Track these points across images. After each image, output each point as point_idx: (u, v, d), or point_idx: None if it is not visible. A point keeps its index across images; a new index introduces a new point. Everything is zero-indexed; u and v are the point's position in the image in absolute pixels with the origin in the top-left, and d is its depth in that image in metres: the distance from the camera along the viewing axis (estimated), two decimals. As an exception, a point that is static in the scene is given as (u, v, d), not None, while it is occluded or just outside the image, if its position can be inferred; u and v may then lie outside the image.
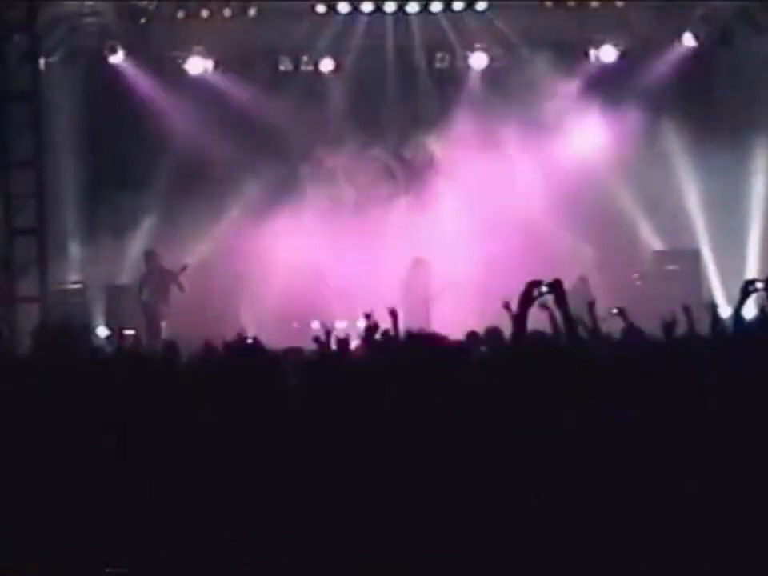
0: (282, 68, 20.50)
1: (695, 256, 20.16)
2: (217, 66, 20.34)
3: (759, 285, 7.89)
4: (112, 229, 19.37)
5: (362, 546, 4.35)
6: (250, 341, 7.30)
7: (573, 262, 17.83)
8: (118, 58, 19.91)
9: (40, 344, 6.19)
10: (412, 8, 19.81)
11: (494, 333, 9.22)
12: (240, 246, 19.20)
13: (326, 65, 20.42)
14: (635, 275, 20.10)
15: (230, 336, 9.44)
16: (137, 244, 19.83)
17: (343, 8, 19.78)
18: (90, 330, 17.52)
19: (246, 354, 5.01)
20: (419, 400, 4.63)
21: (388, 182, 20.27)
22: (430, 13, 19.86)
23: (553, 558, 4.27)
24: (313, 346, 9.20)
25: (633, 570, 4.30)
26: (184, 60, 20.26)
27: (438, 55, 20.48)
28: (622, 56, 20.42)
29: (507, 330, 6.80)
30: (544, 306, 6.54)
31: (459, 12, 19.92)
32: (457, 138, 19.72)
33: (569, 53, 20.48)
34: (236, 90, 20.34)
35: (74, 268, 20.07)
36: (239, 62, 20.36)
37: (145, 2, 19.71)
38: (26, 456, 4.67)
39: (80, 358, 5.56)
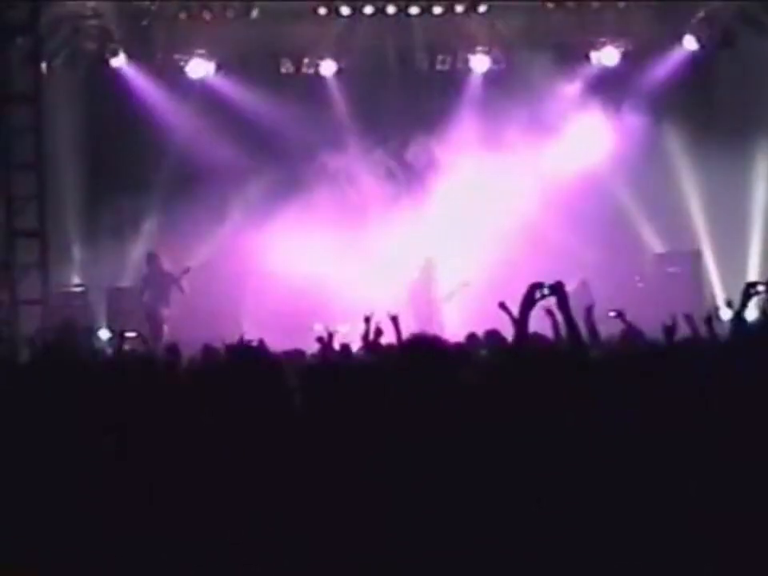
0: (283, 70, 20.52)
1: (696, 258, 20.17)
2: (218, 68, 20.36)
3: (760, 287, 7.90)
4: (113, 231, 19.38)
5: (363, 549, 4.35)
6: (254, 344, 7.29)
7: (574, 264, 17.82)
8: (119, 61, 19.93)
9: (41, 346, 6.19)
10: (413, 10, 19.82)
11: (493, 335, 9.23)
12: (241, 248, 19.22)
13: (328, 67, 20.44)
14: (636, 277, 20.11)
15: (232, 338, 9.45)
16: (138, 246, 19.85)
17: (345, 10, 19.79)
18: (91, 332, 17.54)
19: (247, 356, 5.01)
20: (419, 402, 4.63)
21: (390, 185, 20.27)
22: (432, 15, 19.87)
23: (554, 559, 4.27)
24: (314, 349, 9.24)
25: (634, 571, 4.30)
26: (186, 62, 20.27)
27: (440, 57, 20.50)
28: (624, 58, 20.43)
29: (510, 331, 6.80)
30: (549, 311, 6.56)
31: (460, 14, 19.93)
32: (458, 140, 19.74)
33: (570, 55, 20.50)
34: (237, 93, 20.36)
35: (75, 270, 20.09)
36: (241, 64, 20.37)
37: (147, 4, 19.72)
38: (27, 458, 4.67)
39: (81, 360, 5.55)
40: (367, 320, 9.41)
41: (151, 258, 19.20)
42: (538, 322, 6.19)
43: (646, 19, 20.27)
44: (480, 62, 20.42)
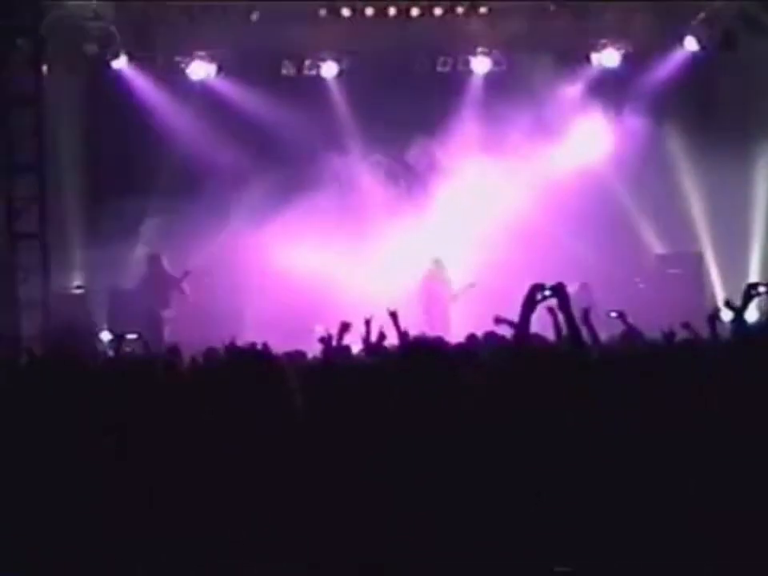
0: (284, 72, 20.51)
1: (698, 260, 20.16)
2: (219, 70, 20.35)
3: (762, 289, 7.90)
4: (114, 233, 19.34)
5: (364, 549, 4.35)
6: (258, 346, 7.29)
7: (574, 265, 17.82)
8: (121, 63, 19.91)
9: (43, 348, 6.20)
10: (414, 12, 19.82)
11: (493, 336, 9.22)
12: (243, 250, 19.21)
13: (329, 69, 20.43)
14: (637, 279, 20.10)
15: (233, 340, 9.44)
16: (139, 248, 19.84)
17: (346, 12, 19.78)
18: (92, 334, 17.54)
19: (248, 358, 5.01)
20: (420, 403, 4.63)
21: (391, 187, 20.26)
22: (433, 17, 19.86)
23: (555, 558, 4.27)
24: (316, 351, 9.23)
25: (634, 569, 4.31)
26: (187, 64, 20.27)
27: (441, 59, 20.48)
28: (624, 60, 20.41)
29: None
30: (551, 309, 6.55)
31: (461, 16, 19.93)
32: (459, 142, 19.74)
33: (571, 57, 20.49)
34: (239, 95, 20.35)
35: (76, 272, 20.08)
36: (242, 66, 20.36)
37: (148, 6, 19.72)
38: (29, 458, 4.67)
39: (83, 362, 5.56)
40: (368, 322, 9.40)
41: (152, 260, 19.20)
42: (539, 324, 6.19)
43: (647, 21, 20.25)
44: (481, 64, 20.41)
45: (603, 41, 20.34)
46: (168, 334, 18.27)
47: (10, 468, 4.64)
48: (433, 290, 18.99)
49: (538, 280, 5.81)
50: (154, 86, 20.26)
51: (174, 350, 10.13)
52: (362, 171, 20.20)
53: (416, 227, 19.56)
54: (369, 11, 19.76)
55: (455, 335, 12.35)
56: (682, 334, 8.02)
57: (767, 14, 19.50)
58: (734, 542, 4.30)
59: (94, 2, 18.99)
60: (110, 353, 13.30)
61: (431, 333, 11.71)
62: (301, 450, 4.62)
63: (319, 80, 20.54)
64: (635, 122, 19.88)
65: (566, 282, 5.85)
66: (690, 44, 20.13)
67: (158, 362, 6.84)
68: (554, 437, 4.46)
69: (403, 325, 9.28)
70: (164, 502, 4.51)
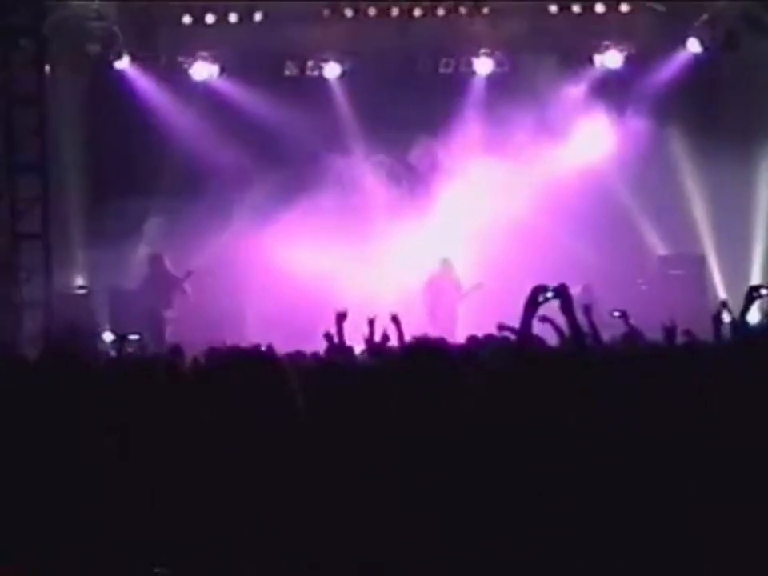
0: (287, 73, 20.52)
1: (700, 261, 20.15)
2: (222, 70, 20.37)
3: (763, 291, 7.90)
4: (117, 233, 19.35)
5: (366, 550, 4.35)
6: (262, 348, 7.29)
7: (577, 267, 17.81)
8: (123, 63, 19.93)
9: (45, 348, 6.20)
10: (417, 12, 19.83)
11: (494, 337, 9.22)
12: (245, 250, 19.22)
13: (332, 70, 20.44)
14: (640, 280, 20.09)
15: (235, 341, 9.44)
16: (141, 248, 19.84)
17: (348, 12, 19.79)
18: (95, 334, 17.54)
19: (249, 358, 5.01)
20: (422, 403, 4.63)
21: (393, 187, 20.26)
22: (435, 17, 19.87)
23: (556, 559, 4.27)
24: (317, 352, 9.23)
25: (635, 570, 4.31)
26: (189, 65, 20.28)
27: (443, 60, 20.47)
28: (627, 61, 20.40)
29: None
30: (544, 318, 6.50)
31: (464, 17, 19.93)
32: (462, 143, 19.73)
33: (573, 58, 20.49)
34: (241, 95, 20.37)
35: (78, 272, 20.09)
36: (244, 66, 20.37)
37: (151, 6, 19.73)
38: (31, 459, 4.67)
39: (85, 363, 5.56)
40: (371, 322, 9.40)
41: (155, 261, 19.20)
42: (540, 325, 6.19)
43: (650, 22, 20.25)
44: (483, 65, 20.40)
45: (606, 42, 20.32)
46: (170, 334, 18.27)
47: (11, 468, 4.65)
48: (441, 290, 18.96)
49: (540, 281, 5.81)
50: (157, 87, 20.27)
51: (176, 350, 10.12)
52: (365, 172, 20.20)
53: (418, 227, 19.56)
54: (372, 12, 19.78)
55: (461, 336, 12.33)
56: (683, 335, 8.02)
57: (770, 14, 19.50)
58: (735, 543, 4.30)
59: (97, 2, 19.00)
60: (113, 353, 13.30)
61: (438, 333, 11.69)
62: (302, 450, 4.62)
63: (322, 80, 20.55)
64: (638, 124, 19.87)
65: (568, 284, 5.85)
66: (693, 45, 20.11)
67: (160, 362, 6.84)
68: (555, 437, 4.46)
69: (407, 324, 9.25)
70: (165, 503, 4.51)
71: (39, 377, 5.15)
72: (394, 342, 8.85)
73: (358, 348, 9.66)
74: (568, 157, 19.89)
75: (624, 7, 20.00)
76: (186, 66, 20.31)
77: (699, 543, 4.33)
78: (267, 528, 4.37)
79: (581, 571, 4.30)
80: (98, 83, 20.17)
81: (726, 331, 7.82)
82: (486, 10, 19.83)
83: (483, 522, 4.32)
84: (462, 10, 19.83)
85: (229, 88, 20.44)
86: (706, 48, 20.07)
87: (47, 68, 18.64)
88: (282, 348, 8.15)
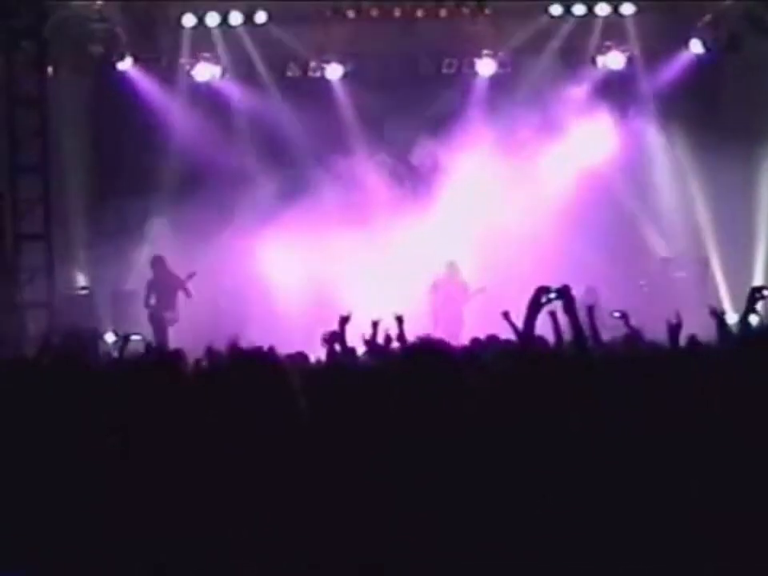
0: (289, 74, 20.53)
1: (703, 263, 20.14)
2: (224, 71, 20.38)
3: (766, 292, 7.89)
4: (119, 234, 19.36)
5: (367, 551, 4.34)
6: (265, 349, 7.28)
7: (579, 268, 17.79)
8: (125, 65, 19.94)
9: (47, 349, 6.19)
10: (419, 13, 19.83)
11: (494, 339, 9.22)
12: (247, 251, 19.21)
13: (334, 70, 20.44)
14: (642, 282, 20.08)
15: (237, 342, 9.42)
16: (144, 250, 19.83)
17: (351, 13, 19.79)
18: (96, 335, 17.53)
19: (251, 359, 5.01)
20: (424, 405, 4.63)
21: (395, 188, 20.25)
22: (438, 18, 19.87)
23: (559, 560, 4.27)
24: (320, 353, 9.21)
25: (637, 571, 4.30)
26: (192, 66, 20.29)
27: (446, 61, 20.48)
28: (630, 62, 20.40)
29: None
30: (551, 314, 6.53)
31: (467, 18, 19.93)
32: (464, 143, 19.72)
33: (576, 59, 20.49)
34: (243, 96, 20.38)
35: (80, 274, 20.10)
36: (247, 67, 20.38)
37: (153, 7, 19.74)
38: (32, 460, 4.67)
39: (86, 364, 5.55)
40: (375, 324, 9.37)
41: (157, 262, 19.18)
42: (542, 327, 6.18)
43: (652, 23, 20.25)
44: (486, 66, 20.40)
45: (608, 43, 20.32)
46: (172, 335, 18.27)
47: (11, 468, 4.64)
48: (446, 293, 18.93)
49: (542, 281, 5.80)
50: (159, 88, 20.28)
51: (178, 352, 10.10)
52: (367, 172, 20.19)
53: (420, 227, 19.54)
54: (374, 13, 19.78)
55: (465, 339, 12.33)
56: (685, 332, 8.01)
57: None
58: (736, 544, 4.29)
59: (99, 3, 19.01)
60: (114, 354, 13.29)
61: (443, 335, 11.65)
62: (303, 451, 4.61)
63: (324, 82, 20.55)
64: (640, 124, 19.88)
65: (571, 285, 5.84)
66: (696, 46, 20.11)
67: (162, 364, 6.82)
68: (557, 439, 4.45)
69: (412, 326, 9.23)
70: (166, 503, 4.50)
71: (40, 377, 5.14)
72: (395, 342, 8.83)
73: (361, 350, 9.64)
74: (570, 158, 19.89)
75: (626, 8, 19.99)
76: (188, 67, 20.32)
77: (701, 544, 4.32)
78: (268, 528, 4.36)
79: (583, 572, 4.29)
80: (101, 84, 20.19)
81: (728, 332, 7.81)
82: (488, 11, 19.83)
83: (485, 523, 4.32)
84: (465, 11, 19.83)
85: (231, 89, 20.46)
86: (708, 49, 20.07)
87: (49, 69, 18.65)
88: (284, 349, 8.15)
